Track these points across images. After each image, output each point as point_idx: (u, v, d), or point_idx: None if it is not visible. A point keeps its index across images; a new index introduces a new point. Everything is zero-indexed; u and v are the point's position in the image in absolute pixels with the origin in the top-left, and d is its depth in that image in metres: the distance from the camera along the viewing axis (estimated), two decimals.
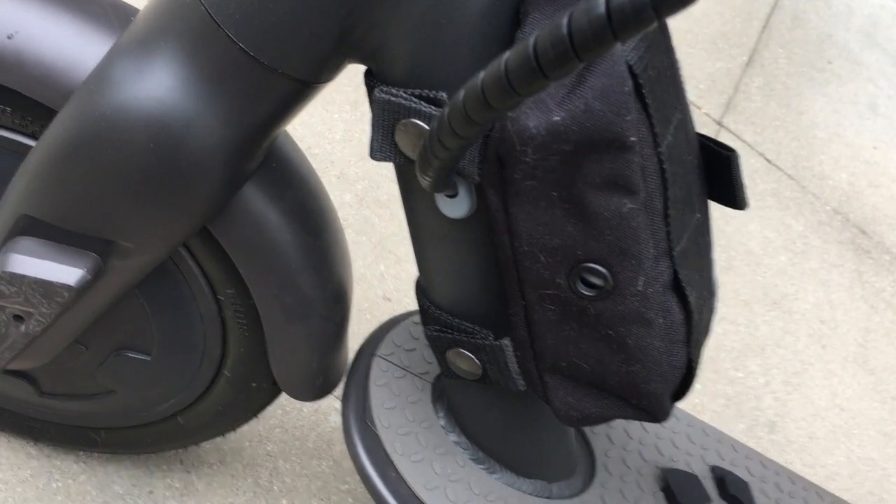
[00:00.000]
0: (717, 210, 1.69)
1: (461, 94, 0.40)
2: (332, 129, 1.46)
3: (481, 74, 0.38)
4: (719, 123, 1.87)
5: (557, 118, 0.49)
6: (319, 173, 1.41)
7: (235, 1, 0.51)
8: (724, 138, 1.85)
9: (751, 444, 1.35)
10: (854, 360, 1.55)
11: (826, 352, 1.54)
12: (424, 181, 0.50)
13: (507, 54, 0.36)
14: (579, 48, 0.33)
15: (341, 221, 1.39)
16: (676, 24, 2.06)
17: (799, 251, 1.70)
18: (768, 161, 1.85)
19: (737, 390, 1.42)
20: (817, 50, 2.24)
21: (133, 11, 0.63)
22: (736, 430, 1.36)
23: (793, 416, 1.42)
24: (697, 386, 1.39)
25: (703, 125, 1.85)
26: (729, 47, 2.09)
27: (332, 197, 1.39)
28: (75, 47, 0.60)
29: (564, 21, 0.33)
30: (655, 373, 0.58)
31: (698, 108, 1.88)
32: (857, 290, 1.68)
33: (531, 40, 0.35)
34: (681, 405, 1.35)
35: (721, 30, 2.12)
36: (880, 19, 2.44)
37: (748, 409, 1.40)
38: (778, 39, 2.21)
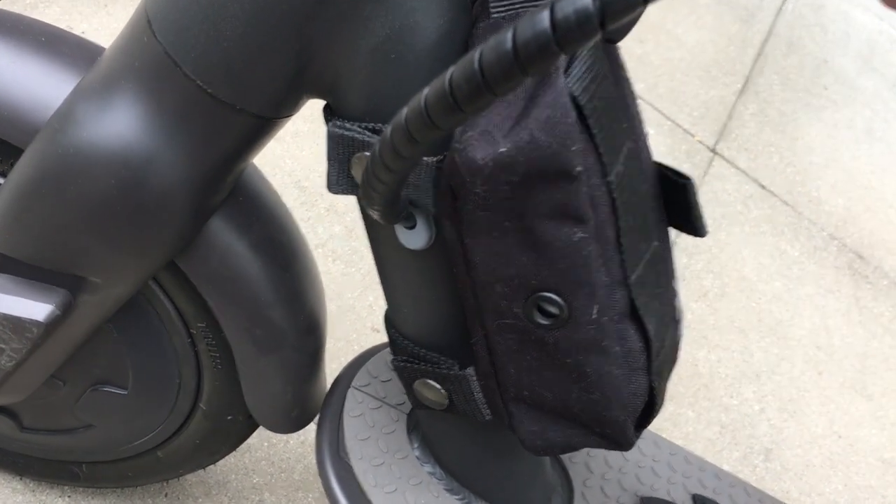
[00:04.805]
0: (710, 238, 1.70)
1: (388, 129, 0.41)
2: (322, 163, 1.47)
3: (404, 110, 0.39)
4: (713, 150, 1.87)
5: (503, 149, 0.49)
6: (309, 206, 1.42)
7: (192, 39, 0.52)
8: (718, 165, 1.85)
9: (746, 472, 1.34)
10: (852, 385, 1.54)
11: (823, 378, 1.53)
12: (374, 213, 0.51)
13: (426, 90, 0.37)
14: (522, 66, 0.33)
15: (330, 253, 1.40)
16: (670, 53, 2.07)
17: (794, 277, 1.69)
18: (762, 187, 1.85)
19: (731, 418, 1.41)
20: (813, 76, 2.25)
21: (99, 51, 0.65)
22: (731, 458, 1.35)
23: (789, 444, 1.41)
24: (691, 414, 1.38)
25: (697, 152, 1.85)
26: (723, 75, 2.10)
27: (321, 229, 1.41)
28: (42, 87, 0.61)
29: (476, 55, 0.34)
30: (616, 401, 0.58)
31: (692, 135, 1.89)
32: (855, 315, 1.67)
33: (449, 73, 0.35)
34: (672, 433, 1.34)
35: (714, 57, 2.13)
36: (878, 44, 2.45)
37: (743, 436, 1.39)
38: (773, 66, 2.21)
